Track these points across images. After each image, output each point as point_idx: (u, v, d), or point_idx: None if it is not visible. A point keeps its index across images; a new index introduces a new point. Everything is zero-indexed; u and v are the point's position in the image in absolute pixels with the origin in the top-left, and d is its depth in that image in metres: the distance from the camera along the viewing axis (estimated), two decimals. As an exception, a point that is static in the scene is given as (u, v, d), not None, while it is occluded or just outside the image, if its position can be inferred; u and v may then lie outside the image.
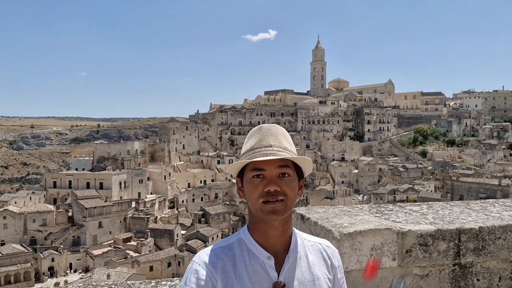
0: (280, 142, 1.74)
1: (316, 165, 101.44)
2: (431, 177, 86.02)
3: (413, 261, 2.22)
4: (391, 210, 2.67)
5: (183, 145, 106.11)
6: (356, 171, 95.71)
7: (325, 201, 76.84)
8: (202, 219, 68.68)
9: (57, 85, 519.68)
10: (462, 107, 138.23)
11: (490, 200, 3.02)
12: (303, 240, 1.82)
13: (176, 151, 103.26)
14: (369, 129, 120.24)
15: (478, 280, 2.32)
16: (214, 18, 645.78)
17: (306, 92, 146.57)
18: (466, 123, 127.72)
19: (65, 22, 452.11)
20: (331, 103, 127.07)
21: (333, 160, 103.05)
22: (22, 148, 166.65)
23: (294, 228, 1.82)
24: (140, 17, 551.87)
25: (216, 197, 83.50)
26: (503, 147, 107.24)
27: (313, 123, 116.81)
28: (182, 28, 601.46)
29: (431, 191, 76.44)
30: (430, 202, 2.92)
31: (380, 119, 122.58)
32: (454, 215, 2.56)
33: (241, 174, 1.79)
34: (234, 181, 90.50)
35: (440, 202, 2.92)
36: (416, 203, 2.89)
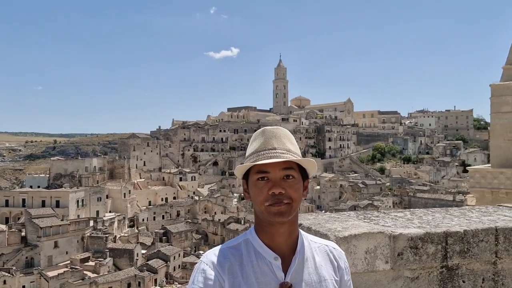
0: (284, 144, 1.78)
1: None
2: (389, 193, 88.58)
3: (405, 263, 2.29)
4: (377, 216, 2.74)
5: (144, 161, 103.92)
6: (318, 187, 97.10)
7: (288, 217, 77.12)
8: (164, 237, 67.10)
9: (11, 99, 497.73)
10: (417, 125, 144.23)
11: (467, 207, 3.17)
12: (309, 241, 1.85)
13: (136, 168, 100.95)
14: (330, 146, 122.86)
15: (463, 281, 2.42)
16: (176, 35, 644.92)
17: (268, 109, 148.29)
18: (420, 141, 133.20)
19: (19, 33, 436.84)
20: (293, 120, 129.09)
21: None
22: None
23: (300, 230, 1.85)
24: (101, 31, 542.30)
25: (178, 215, 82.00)
26: (456, 164, 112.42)
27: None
28: (143, 43, 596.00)
29: (390, 206, 78.64)
30: (412, 209, 3.02)
31: (340, 137, 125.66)
32: (438, 220, 2.67)
33: (246, 176, 1.83)
34: (196, 198, 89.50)
35: (422, 209, 3.03)
36: (399, 210, 2.98)
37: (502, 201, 19.30)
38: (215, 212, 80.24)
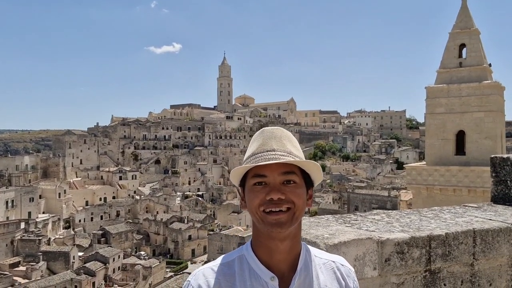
0: (284, 146, 1.55)
1: (223, 180, 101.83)
2: (330, 189, 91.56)
3: (392, 269, 2.23)
4: (356, 220, 2.68)
5: (81, 160, 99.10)
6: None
7: (233, 215, 77.23)
8: (102, 239, 64.44)
9: None
10: (355, 125, 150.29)
11: (437, 208, 3.21)
12: (313, 257, 1.61)
13: (72, 166, 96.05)
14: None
15: (445, 285, 2.42)
16: (115, 28, 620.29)
17: (213, 107, 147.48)
18: (358, 139, 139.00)
19: None
20: (238, 118, 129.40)
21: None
22: None
23: (304, 243, 1.61)
24: (34, 22, 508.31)
25: (118, 215, 79.12)
26: (390, 161, 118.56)
27: (220, 138, 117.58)
28: (80, 36, 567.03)
29: (330, 202, 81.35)
30: (386, 211, 2.99)
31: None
32: (416, 222, 2.66)
33: (243, 182, 1.59)
34: (137, 197, 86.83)
35: (395, 211, 3.02)
36: (374, 213, 2.94)
37: (436, 197, 20.58)
38: (157, 212, 78.40)
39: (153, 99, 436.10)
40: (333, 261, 1.64)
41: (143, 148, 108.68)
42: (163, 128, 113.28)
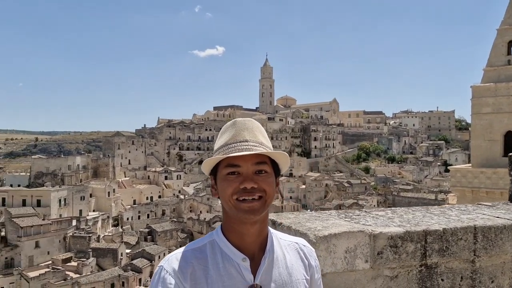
0: (256, 137, 1.63)
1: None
2: (374, 192, 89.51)
3: (384, 262, 2.28)
4: (358, 215, 2.74)
5: (129, 160, 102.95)
6: (304, 186, 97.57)
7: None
8: (148, 237, 66.57)
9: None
10: (401, 126, 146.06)
11: (447, 205, 3.19)
12: (279, 239, 1.73)
13: (121, 166, 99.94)
14: (315, 146, 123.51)
15: (442, 280, 2.43)
16: (161, 33, 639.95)
17: (255, 108, 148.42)
18: (404, 141, 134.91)
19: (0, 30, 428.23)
20: (279, 119, 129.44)
21: (282, 175, 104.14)
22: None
23: (269, 228, 1.73)
24: (84, 28, 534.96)
25: (163, 213, 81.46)
26: (438, 164, 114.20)
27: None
28: (127, 41, 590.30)
29: (374, 205, 79.45)
30: (393, 208, 3.03)
31: (326, 136, 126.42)
32: (418, 218, 2.68)
33: (214, 171, 1.68)
34: (182, 197, 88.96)
35: (403, 208, 3.04)
36: (381, 209, 2.98)
37: (482, 200, 19.69)
38: (200, 211, 79.96)
39: (197, 101, 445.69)
40: (296, 243, 1.78)
41: (188, 149, 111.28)
42: (206, 130, 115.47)
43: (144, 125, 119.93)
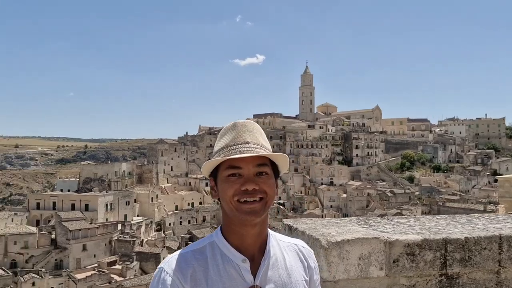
0: (256, 139, 1.66)
1: (304, 189, 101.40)
2: (418, 202, 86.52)
3: (400, 270, 2.22)
4: (379, 222, 2.69)
5: (171, 167, 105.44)
6: (345, 195, 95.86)
7: (313, 225, 76.40)
8: (189, 242, 67.61)
9: (45, 105, 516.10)
10: (447, 133, 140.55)
11: (476, 214, 3.07)
12: (278, 241, 1.74)
13: (164, 173, 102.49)
14: (357, 154, 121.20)
15: (464, 291, 2.33)
16: (202, 43, 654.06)
17: (294, 116, 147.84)
18: (451, 149, 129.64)
19: (53, 41, 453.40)
20: (320, 127, 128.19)
21: (322, 184, 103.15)
22: (5, 168, 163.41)
23: (268, 229, 1.74)
24: (128, 39, 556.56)
25: (204, 220, 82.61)
26: (487, 173, 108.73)
27: (302, 147, 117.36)
28: (169, 50, 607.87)
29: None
30: (417, 216, 2.94)
31: (368, 144, 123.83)
32: (441, 226, 2.59)
33: (214, 172, 1.69)
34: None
35: (427, 216, 2.95)
36: (403, 216, 2.91)
37: (535, 212, 18.55)
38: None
39: (237, 109, 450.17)
40: (295, 244, 1.79)
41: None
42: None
43: (186, 132, 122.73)
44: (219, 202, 1.71)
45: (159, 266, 1.62)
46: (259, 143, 1.65)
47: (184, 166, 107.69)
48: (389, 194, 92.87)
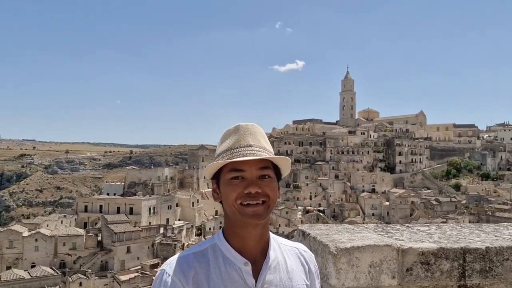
0: (259, 142, 1.67)
1: (345, 196, 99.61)
2: (465, 211, 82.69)
3: (414, 280, 2.14)
4: (397, 230, 2.60)
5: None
6: (387, 203, 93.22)
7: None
8: (229, 248, 68.19)
9: (93, 112, 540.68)
10: (496, 140, 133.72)
11: (506, 223, 2.90)
12: (279, 244, 1.74)
13: (204, 178, 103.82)
14: (400, 161, 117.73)
15: (486, 304, 2.21)
16: (242, 49, 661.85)
17: (335, 122, 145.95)
18: (501, 156, 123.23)
19: (101, 51, 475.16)
20: (361, 133, 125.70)
21: (363, 191, 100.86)
22: (57, 173, 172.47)
23: (270, 232, 1.74)
24: (171, 48, 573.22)
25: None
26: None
27: (342, 153, 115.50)
28: (210, 58, 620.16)
29: (466, 226, 73.35)
30: (440, 224, 2.83)
31: (411, 151, 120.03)
32: (462, 235, 2.47)
33: (217, 175, 1.70)
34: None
35: (451, 224, 2.82)
36: (425, 224, 2.80)
37: None
38: (279, 225, 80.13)
39: (276, 115, 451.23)
40: (296, 247, 1.78)
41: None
42: (285, 143, 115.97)
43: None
44: (222, 205, 1.72)
45: (160, 268, 1.63)
46: (262, 146, 1.65)
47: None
48: (434, 202, 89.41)
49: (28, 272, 50.72)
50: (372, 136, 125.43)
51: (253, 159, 1.59)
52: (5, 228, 64.07)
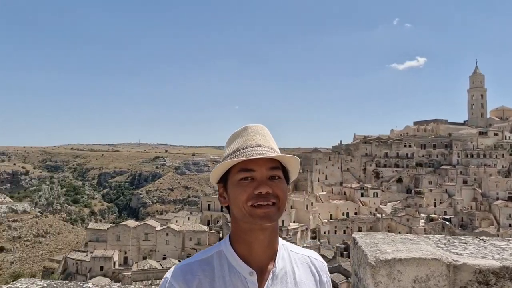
0: (268, 142, 1.63)
1: (475, 204, 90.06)
2: None
3: (469, 301, 1.88)
4: (464, 243, 2.30)
5: (326, 175, 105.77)
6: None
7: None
8: (345, 252, 66.55)
9: (215, 117, 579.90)
10: None
11: None
12: (289, 252, 1.67)
13: (318, 181, 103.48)
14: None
15: None
16: (357, 49, 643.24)
17: (462, 122, 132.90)
18: None
19: (220, 61, 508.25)
20: (494, 134, 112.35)
21: (497, 199, 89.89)
22: (185, 173, 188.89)
23: (280, 239, 1.68)
24: (284, 52, 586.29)
25: (359, 230, 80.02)
26: None
27: (472, 156, 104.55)
28: (324, 60, 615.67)
29: None
30: (526, 239, 2.41)
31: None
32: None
33: (223, 179, 1.65)
34: (379, 215, 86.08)
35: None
36: (506, 238, 2.42)
37: None
38: (399, 232, 75.80)
39: (395, 116, 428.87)
40: (308, 256, 1.71)
41: (385, 166, 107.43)
42: (405, 146, 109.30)
43: (340, 141, 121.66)
44: (228, 210, 1.68)
45: (164, 276, 1.61)
46: (271, 147, 1.62)
47: (338, 175, 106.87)
48: None
49: (160, 263, 56.27)
50: (507, 137, 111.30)
51: (263, 158, 1.55)
52: (142, 223, 72.14)
